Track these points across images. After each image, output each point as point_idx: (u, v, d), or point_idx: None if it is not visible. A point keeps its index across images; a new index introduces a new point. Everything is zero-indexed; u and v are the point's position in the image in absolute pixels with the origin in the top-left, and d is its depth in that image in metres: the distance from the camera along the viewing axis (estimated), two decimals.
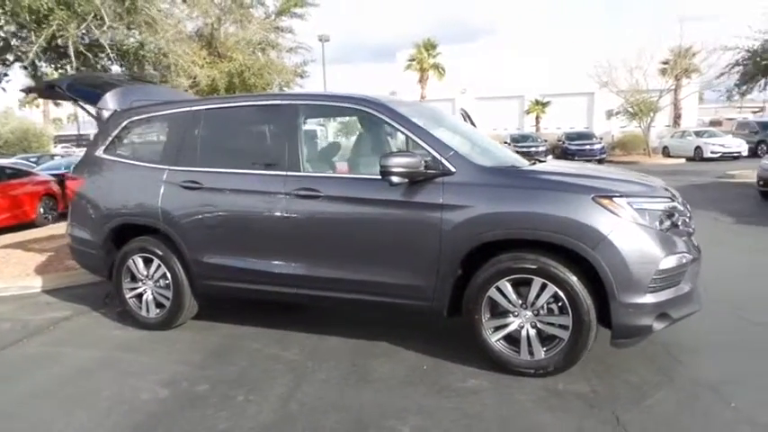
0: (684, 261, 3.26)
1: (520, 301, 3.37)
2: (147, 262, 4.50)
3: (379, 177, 3.52)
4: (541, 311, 3.34)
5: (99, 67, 8.31)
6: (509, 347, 3.44)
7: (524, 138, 27.58)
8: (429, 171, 3.46)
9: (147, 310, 4.56)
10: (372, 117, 3.85)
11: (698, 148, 24.37)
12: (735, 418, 2.88)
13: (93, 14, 6.68)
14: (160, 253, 4.40)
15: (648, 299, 3.14)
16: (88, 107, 5.19)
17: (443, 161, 3.51)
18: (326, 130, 4.14)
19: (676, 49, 28.73)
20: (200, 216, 4.21)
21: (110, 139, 4.77)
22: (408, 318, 4.33)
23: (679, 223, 3.37)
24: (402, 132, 3.71)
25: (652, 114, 26.78)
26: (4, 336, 4.65)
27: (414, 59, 32.97)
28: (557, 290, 3.25)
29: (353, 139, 4.52)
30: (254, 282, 4.13)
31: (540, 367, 3.36)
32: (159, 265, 4.43)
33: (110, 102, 4.81)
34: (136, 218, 4.48)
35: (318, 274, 3.87)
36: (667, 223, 3.28)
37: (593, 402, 3.09)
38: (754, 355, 3.67)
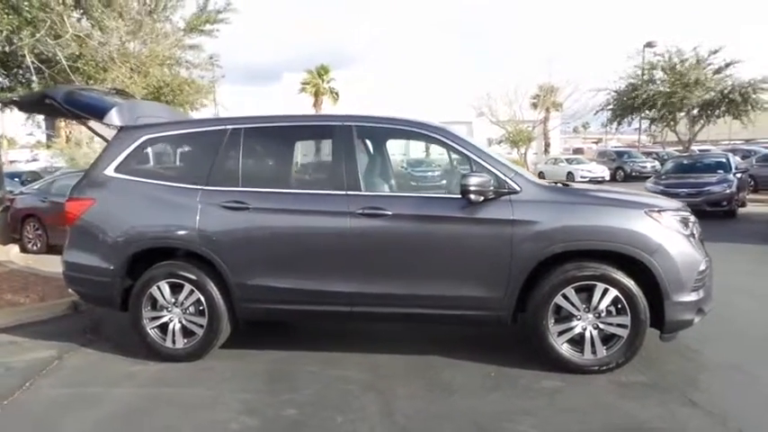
0: (709, 263, 3.90)
1: (583, 306, 3.77)
2: (175, 288, 4.21)
3: (449, 196, 3.76)
4: (602, 314, 3.76)
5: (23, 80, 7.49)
6: (573, 349, 3.81)
7: (419, 163, 28.94)
8: (500, 190, 3.76)
9: (173, 341, 4.24)
10: (436, 141, 4.07)
11: (569, 173, 27.42)
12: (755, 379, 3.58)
13: (48, 22, 6.08)
14: (193, 277, 4.15)
15: (692, 297, 3.71)
16: (90, 122, 4.72)
17: (508, 180, 3.83)
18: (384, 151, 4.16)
19: (545, 86, 32.32)
20: (246, 237, 4.07)
21: (122, 157, 4.40)
22: (435, 330, 4.54)
23: (696, 231, 4.01)
24: (466, 155, 3.97)
25: (529, 143, 29.73)
26: None
27: (308, 83, 33.18)
28: (617, 293, 3.70)
29: (407, 160, 4.67)
30: (303, 302, 4.08)
31: (602, 364, 3.76)
32: (191, 291, 4.17)
33: (116, 117, 4.44)
34: (168, 241, 4.19)
35: (381, 291, 3.95)
36: (694, 231, 3.90)
37: (660, 389, 3.56)
38: (746, 339, 4.42)
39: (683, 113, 17.95)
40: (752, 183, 15.77)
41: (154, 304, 4.26)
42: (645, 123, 22.10)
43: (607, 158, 29.58)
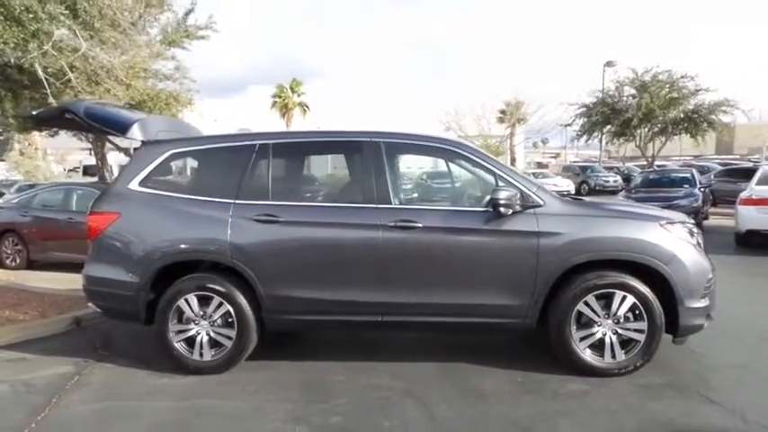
0: (714, 271, 4.21)
1: (603, 312, 4.01)
2: (204, 300, 4.24)
3: (477, 209, 3.98)
4: (621, 320, 4.00)
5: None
6: (594, 353, 4.04)
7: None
8: (526, 203, 3.99)
9: (201, 354, 4.26)
10: (461, 156, 4.27)
11: None
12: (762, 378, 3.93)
13: (53, 35, 6.02)
14: (222, 289, 4.19)
15: (703, 302, 4.01)
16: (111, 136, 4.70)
17: (532, 195, 4.06)
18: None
19: (512, 101, 33.36)
20: (277, 249, 4.15)
21: (147, 171, 4.42)
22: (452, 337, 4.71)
23: (701, 241, 4.32)
24: (492, 171, 4.18)
25: (497, 157, 30.51)
26: (19, 398, 3.96)
27: (279, 96, 33.16)
28: (634, 300, 3.96)
29: (427, 172, 4.84)
30: (334, 312, 4.18)
31: (622, 368, 4.00)
32: (220, 303, 4.21)
33: (138, 132, 4.47)
34: (199, 254, 4.23)
35: (411, 301, 4.09)
36: (699, 241, 4.21)
37: (678, 389, 3.81)
38: (743, 342, 4.76)
39: (652, 130, 18.85)
40: (711, 197, 16.66)
41: (180, 317, 4.27)
42: (605, 139, 22.98)
43: (572, 173, 30.58)
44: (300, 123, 34.13)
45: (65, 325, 5.75)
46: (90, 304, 4.59)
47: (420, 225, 4.04)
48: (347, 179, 4.43)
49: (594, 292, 3.99)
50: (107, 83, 8.47)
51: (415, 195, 4.82)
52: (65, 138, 16.54)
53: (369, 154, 4.23)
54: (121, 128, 4.46)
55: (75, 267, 8.33)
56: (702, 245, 4.23)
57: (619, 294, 3.97)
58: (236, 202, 4.24)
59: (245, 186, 4.29)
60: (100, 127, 4.53)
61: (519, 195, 3.97)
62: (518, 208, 3.96)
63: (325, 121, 34.33)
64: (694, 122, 18.40)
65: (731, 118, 18.56)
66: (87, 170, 26.27)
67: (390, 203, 4.13)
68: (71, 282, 7.58)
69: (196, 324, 4.26)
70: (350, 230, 4.12)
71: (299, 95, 34.18)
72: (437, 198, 4.66)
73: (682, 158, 36.96)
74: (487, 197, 4.02)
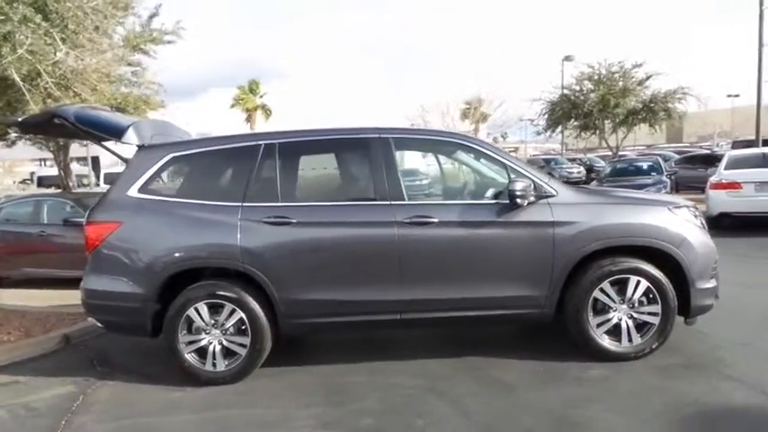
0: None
1: (619, 298, 4.07)
2: (215, 308, 4.10)
3: (492, 202, 4.00)
4: (636, 304, 4.08)
5: None
6: (610, 338, 4.10)
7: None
8: (540, 194, 4.01)
9: (214, 364, 4.11)
10: (472, 150, 4.27)
11: None
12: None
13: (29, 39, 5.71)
14: (234, 296, 4.06)
15: (711, 283, 4.13)
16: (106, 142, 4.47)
17: (544, 185, 4.09)
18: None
19: (475, 98, 33.84)
20: (291, 252, 4.05)
21: (146, 177, 4.23)
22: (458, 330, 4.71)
23: (704, 224, 4.44)
24: (503, 163, 4.19)
25: None
26: (23, 423, 3.74)
27: (241, 99, 32.60)
28: (648, 284, 4.04)
29: (444, 169, 4.80)
30: (352, 313, 4.11)
31: (638, 351, 4.08)
32: (233, 310, 4.07)
33: (134, 136, 4.27)
34: (210, 260, 4.08)
35: (430, 297, 4.06)
36: (703, 223, 4.33)
37: (695, 368, 3.92)
38: (741, 320, 4.92)
39: (614, 121, 19.43)
40: (675, 183, 17.28)
41: (190, 327, 4.11)
42: (571, 133, 23.57)
43: (536, 166, 31.18)
44: (263, 125, 33.64)
45: (54, 343, 5.46)
46: (90, 319, 4.37)
47: (436, 220, 4.01)
48: (357, 177, 4.36)
49: (610, 279, 4.04)
50: (76, 87, 8.13)
51: (432, 190, 4.76)
52: (12, 148, 15.78)
53: (378, 150, 4.17)
54: (116, 132, 4.25)
55: (49, 283, 7.97)
56: (706, 227, 4.36)
57: (633, 279, 4.04)
58: (245, 204, 4.11)
59: (253, 188, 4.16)
60: (92, 132, 4.31)
61: (533, 186, 3.99)
62: (533, 198, 3.98)
63: (290, 122, 34.00)
64: (652, 111, 19.04)
65: (685, 106, 19.27)
66: (42, 181, 25.18)
67: (404, 200, 4.09)
68: (50, 298, 7.26)
69: (207, 333, 4.11)
70: (364, 229, 4.06)
71: (260, 97, 33.66)
72: (450, 192, 4.63)
73: (635, 148, 38.20)
74: (499, 190, 4.03)
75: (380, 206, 4.06)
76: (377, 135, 4.24)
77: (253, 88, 33.16)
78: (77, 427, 3.61)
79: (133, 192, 4.22)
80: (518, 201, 3.89)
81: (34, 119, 4.64)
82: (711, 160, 17.11)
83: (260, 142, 4.27)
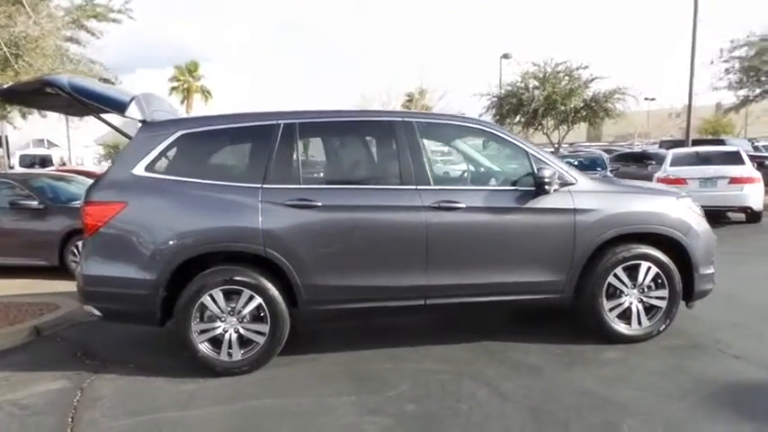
0: None
1: (630, 283, 4.25)
2: (231, 295, 3.88)
3: (517, 188, 4.06)
4: (645, 289, 4.27)
5: None
6: (622, 322, 4.27)
7: None
8: (563, 181, 4.10)
9: (230, 354, 3.90)
10: (494, 137, 4.28)
11: None
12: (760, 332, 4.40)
13: None
14: (253, 282, 3.86)
15: (711, 269, 4.39)
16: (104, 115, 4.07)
17: (565, 174, 4.18)
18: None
19: (417, 89, 34.09)
20: (315, 236, 3.90)
21: (154, 154, 3.92)
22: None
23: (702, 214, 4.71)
24: (525, 151, 4.23)
25: None
26: (23, 421, 3.38)
27: (179, 80, 31.04)
28: (658, 270, 4.24)
29: (469, 155, 4.75)
30: (376, 299, 4.04)
31: (647, 333, 4.27)
32: (251, 297, 3.88)
33: (137, 111, 3.94)
34: (229, 245, 3.84)
35: (455, 282, 4.05)
36: (701, 212, 4.60)
37: (701, 348, 4.16)
38: (726, 304, 5.27)
39: (557, 119, 20.20)
40: None
41: (203, 315, 3.88)
42: (516, 128, 24.32)
43: None
44: (202, 108, 32.26)
45: (23, 336, 4.98)
46: (86, 307, 4.00)
47: (463, 205, 4.00)
48: (381, 161, 4.25)
49: (623, 264, 4.21)
50: (30, 55, 7.42)
51: (458, 175, 4.73)
52: None
53: (403, 134, 4.09)
54: (118, 106, 3.90)
55: (3, 272, 7.26)
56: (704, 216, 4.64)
57: (644, 265, 4.22)
58: (264, 186, 3.91)
59: (273, 169, 3.96)
60: (92, 104, 3.93)
61: (557, 174, 4.07)
62: (557, 186, 4.06)
63: (230, 105, 32.79)
64: (593, 110, 19.99)
65: (623, 106, 20.37)
66: None
67: (430, 184, 4.04)
68: (5, 288, 6.62)
69: (222, 321, 3.89)
70: (391, 213, 3.98)
71: (197, 79, 32.22)
72: (475, 178, 4.63)
73: (562, 146, 40.00)
74: (522, 177, 4.09)
75: (407, 190, 4.00)
76: (400, 119, 4.16)
77: (191, 69, 31.62)
78: (88, 423, 3.31)
79: (139, 170, 3.90)
80: (546, 187, 3.95)
81: (23, 87, 4.16)
82: (643, 158, 18.21)
83: (279, 122, 4.06)
